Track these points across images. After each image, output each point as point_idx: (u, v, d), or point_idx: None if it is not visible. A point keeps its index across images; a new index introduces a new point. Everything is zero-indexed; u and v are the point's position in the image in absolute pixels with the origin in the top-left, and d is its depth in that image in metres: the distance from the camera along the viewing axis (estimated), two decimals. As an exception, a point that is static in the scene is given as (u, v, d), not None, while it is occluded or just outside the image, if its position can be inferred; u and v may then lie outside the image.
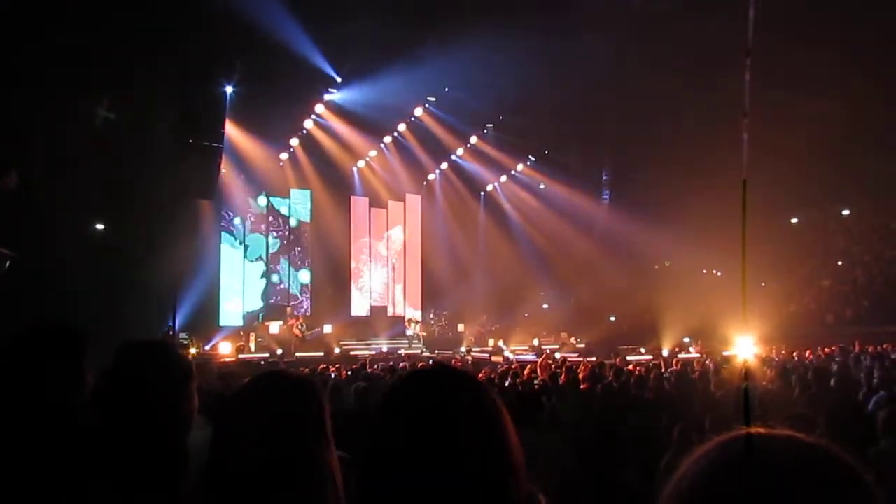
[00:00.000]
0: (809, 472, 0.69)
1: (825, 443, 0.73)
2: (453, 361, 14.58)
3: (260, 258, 22.48)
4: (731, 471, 0.69)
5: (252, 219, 22.38)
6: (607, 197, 25.98)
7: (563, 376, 9.30)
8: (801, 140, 19.60)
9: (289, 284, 23.11)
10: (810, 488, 0.68)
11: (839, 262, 27.32)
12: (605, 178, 26.19)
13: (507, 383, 9.11)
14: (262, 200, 22.45)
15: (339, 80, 18.77)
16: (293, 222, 23.43)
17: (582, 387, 8.40)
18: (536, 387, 7.68)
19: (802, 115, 18.97)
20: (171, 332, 16.29)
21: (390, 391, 1.17)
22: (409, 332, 22.65)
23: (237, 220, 21.94)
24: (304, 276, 23.56)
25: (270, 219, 22.89)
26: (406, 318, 24.17)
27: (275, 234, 23.01)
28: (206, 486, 1.44)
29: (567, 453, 4.68)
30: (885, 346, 14.21)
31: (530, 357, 18.50)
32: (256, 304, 22.07)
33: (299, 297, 23.28)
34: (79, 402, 1.90)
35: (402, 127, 22.00)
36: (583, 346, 22.50)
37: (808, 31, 15.16)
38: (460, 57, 17.36)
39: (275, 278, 22.83)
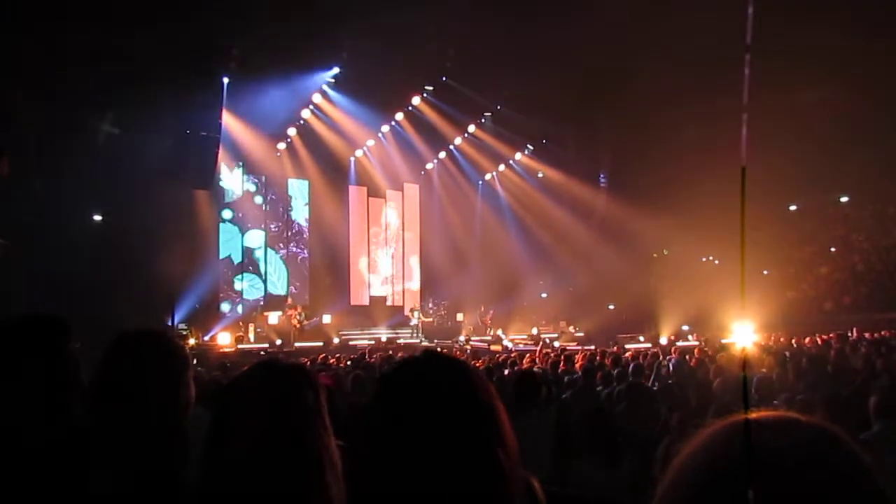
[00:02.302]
0: (811, 454, 0.69)
1: (826, 425, 0.73)
2: (453, 351, 14.61)
3: (258, 247, 22.47)
4: (733, 455, 0.69)
5: (250, 208, 22.34)
6: (605, 185, 25.93)
7: (562, 365, 9.34)
8: (801, 127, 19.57)
9: (287, 274, 23.12)
10: (813, 471, 0.68)
11: (837, 249, 27.34)
12: (603, 166, 26.13)
13: (506, 372, 9.15)
14: (254, 183, 22.41)
15: (337, 69, 18.72)
16: (291, 212, 23.41)
17: (579, 374, 8.42)
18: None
19: (802, 102, 18.93)
20: (170, 323, 16.32)
21: (382, 378, 1.21)
22: (414, 322, 22.63)
23: (236, 210, 21.91)
24: (303, 265, 23.56)
25: (268, 208, 22.85)
26: (409, 308, 24.16)
27: (273, 223, 22.99)
28: (202, 473, 1.45)
29: (551, 438, 4.72)
30: (883, 332, 14.24)
31: (529, 347, 18.53)
32: (255, 294, 22.08)
33: (297, 287, 23.29)
34: (67, 392, 1.89)
35: (399, 116, 21.95)
36: (581, 334, 22.55)
37: (808, 18, 15.10)
38: (459, 46, 17.33)
39: (273, 268, 22.83)
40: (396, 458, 1.08)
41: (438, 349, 1.19)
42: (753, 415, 0.73)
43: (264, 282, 22.41)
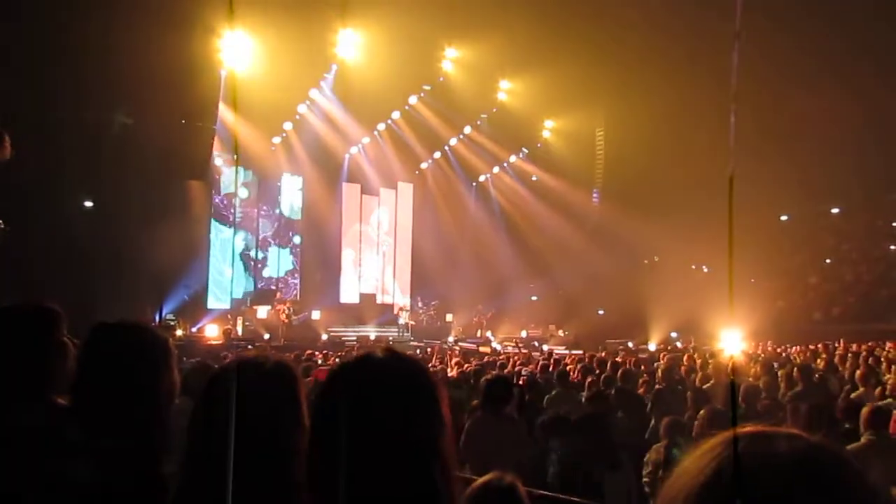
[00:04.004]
0: (817, 473, 0.68)
1: (824, 441, 0.72)
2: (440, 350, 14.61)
3: (250, 241, 22.38)
4: (727, 470, 0.68)
5: (242, 202, 22.24)
6: (598, 192, 25.98)
7: (552, 368, 9.33)
8: (793, 138, 19.68)
9: (277, 269, 23.03)
10: (819, 491, 0.66)
11: (827, 260, 27.50)
12: (597, 171, 26.16)
13: (493, 373, 9.12)
14: (246, 176, 22.31)
15: (334, 66, 18.67)
16: (284, 207, 23.33)
17: (571, 379, 8.42)
18: (523, 380, 7.69)
19: (794, 114, 19.04)
20: (158, 313, 16.23)
21: (335, 370, 1.23)
22: (402, 321, 22.58)
23: (227, 203, 21.79)
24: (293, 261, 23.48)
25: (261, 203, 22.75)
26: (398, 307, 24.10)
27: (265, 218, 22.90)
28: (184, 464, 1.44)
29: (526, 440, 4.74)
30: (870, 343, 14.31)
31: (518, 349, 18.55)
32: (245, 287, 21.99)
33: (287, 282, 23.21)
34: (57, 381, 1.88)
35: (396, 115, 21.90)
36: (571, 338, 22.57)
37: (802, 31, 15.19)
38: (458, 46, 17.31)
39: (264, 262, 22.74)
40: (334, 451, 1.09)
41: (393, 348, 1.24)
42: (749, 429, 0.72)
43: (253, 277, 22.32)
